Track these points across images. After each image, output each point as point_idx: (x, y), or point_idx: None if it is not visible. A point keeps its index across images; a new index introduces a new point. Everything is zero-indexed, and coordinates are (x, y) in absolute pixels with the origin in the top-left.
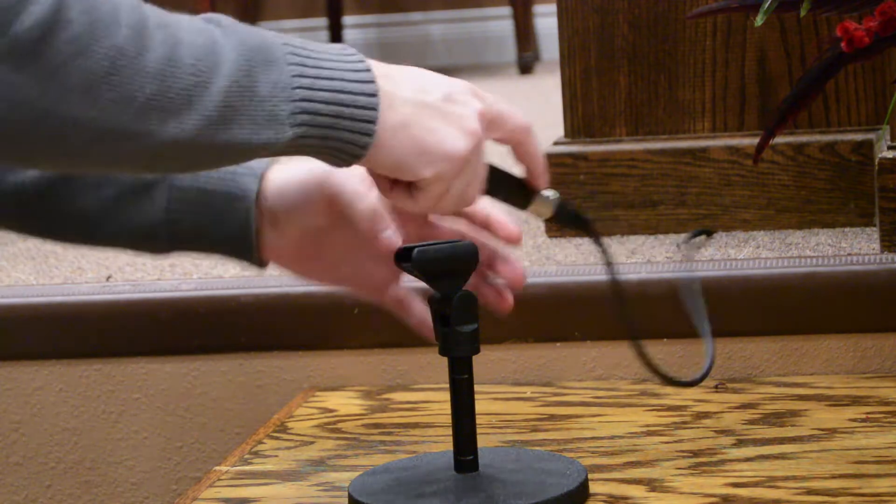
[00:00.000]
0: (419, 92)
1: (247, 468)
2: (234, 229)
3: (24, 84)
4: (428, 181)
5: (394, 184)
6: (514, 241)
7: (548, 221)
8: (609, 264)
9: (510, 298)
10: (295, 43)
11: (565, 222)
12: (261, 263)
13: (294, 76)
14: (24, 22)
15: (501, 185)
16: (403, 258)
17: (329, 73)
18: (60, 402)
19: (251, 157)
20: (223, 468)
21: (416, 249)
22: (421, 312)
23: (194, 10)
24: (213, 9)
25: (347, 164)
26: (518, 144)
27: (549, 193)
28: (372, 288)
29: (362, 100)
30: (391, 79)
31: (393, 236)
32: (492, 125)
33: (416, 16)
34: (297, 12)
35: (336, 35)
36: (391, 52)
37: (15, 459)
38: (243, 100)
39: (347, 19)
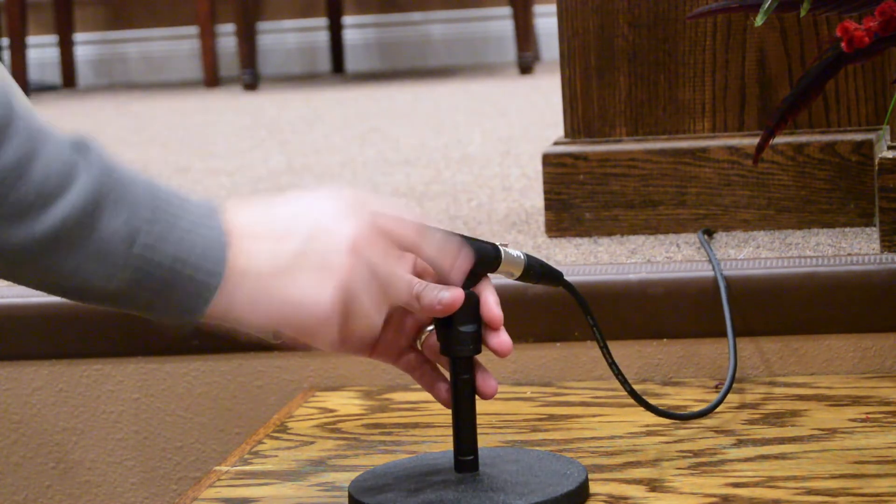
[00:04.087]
0: (276, 246)
1: (247, 468)
2: None
3: None
4: (310, 335)
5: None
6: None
7: (518, 280)
8: (588, 313)
9: (494, 383)
10: (162, 191)
11: (537, 279)
12: (276, 337)
13: (143, 223)
14: None
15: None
16: None
17: (182, 232)
18: (60, 402)
19: (79, 293)
20: (223, 468)
21: None
22: (430, 378)
23: (194, 11)
24: (213, 9)
25: (178, 325)
26: (415, 249)
27: (515, 251)
28: (388, 355)
29: (202, 275)
30: (247, 244)
31: (448, 294)
32: (380, 238)
33: (416, 16)
34: (297, 12)
35: (336, 35)
36: (391, 52)
37: (15, 459)
38: (81, 231)
39: (347, 19)
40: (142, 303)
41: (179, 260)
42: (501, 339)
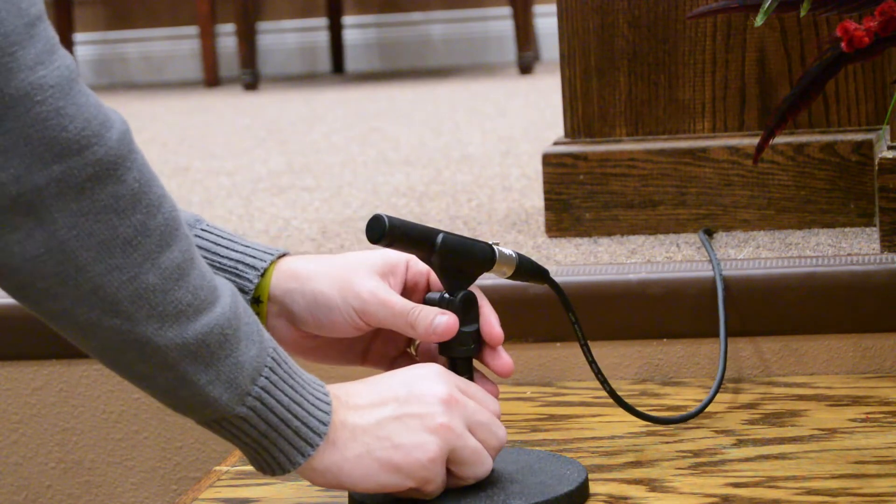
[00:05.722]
0: (376, 408)
1: (247, 468)
2: None
3: (57, 208)
4: (421, 483)
5: None
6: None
7: (510, 278)
8: (570, 311)
9: (496, 390)
10: (280, 349)
11: (526, 276)
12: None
13: (267, 366)
14: (87, 156)
15: (462, 256)
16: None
17: (295, 384)
18: (60, 402)
19: (195, 410)
20: (223, 468)
21: (440, 234)
22: None
23: (194, 11)
24: (213, 9)
25: (274, 473)
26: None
27: (507, 250)
28: (380, 363)
29: (313, 421)
30: (352, 409)
31: (444, 320)
32: (462, 400)
33: (416, 16)
34: (297, 12)
35: (336, 35)
36: (391, 52)
37: (15, 459)
38: (221, 349)
39: (347, 19)
40: (248, 440)
41: (291, 410)
42: (504, 360)
